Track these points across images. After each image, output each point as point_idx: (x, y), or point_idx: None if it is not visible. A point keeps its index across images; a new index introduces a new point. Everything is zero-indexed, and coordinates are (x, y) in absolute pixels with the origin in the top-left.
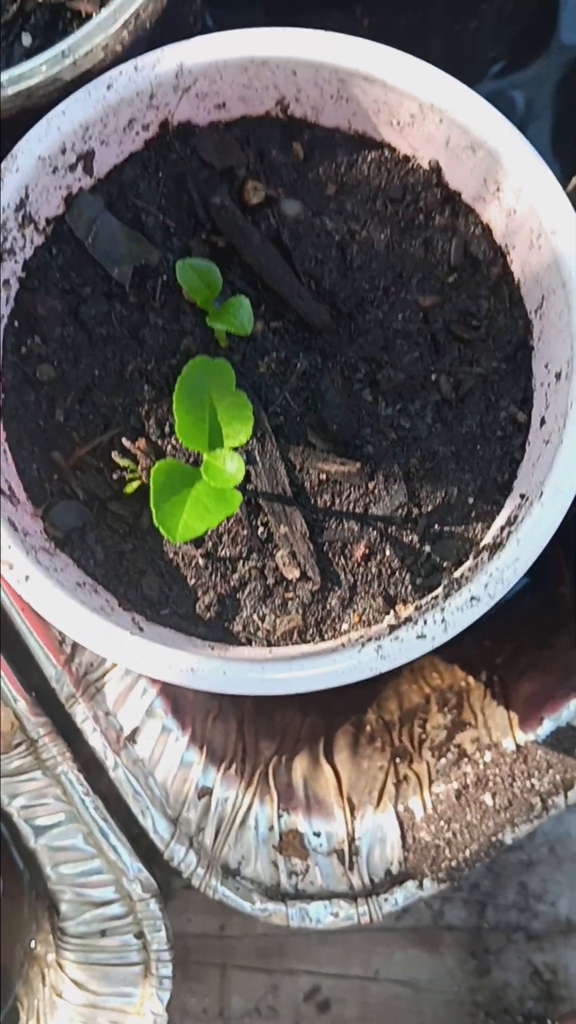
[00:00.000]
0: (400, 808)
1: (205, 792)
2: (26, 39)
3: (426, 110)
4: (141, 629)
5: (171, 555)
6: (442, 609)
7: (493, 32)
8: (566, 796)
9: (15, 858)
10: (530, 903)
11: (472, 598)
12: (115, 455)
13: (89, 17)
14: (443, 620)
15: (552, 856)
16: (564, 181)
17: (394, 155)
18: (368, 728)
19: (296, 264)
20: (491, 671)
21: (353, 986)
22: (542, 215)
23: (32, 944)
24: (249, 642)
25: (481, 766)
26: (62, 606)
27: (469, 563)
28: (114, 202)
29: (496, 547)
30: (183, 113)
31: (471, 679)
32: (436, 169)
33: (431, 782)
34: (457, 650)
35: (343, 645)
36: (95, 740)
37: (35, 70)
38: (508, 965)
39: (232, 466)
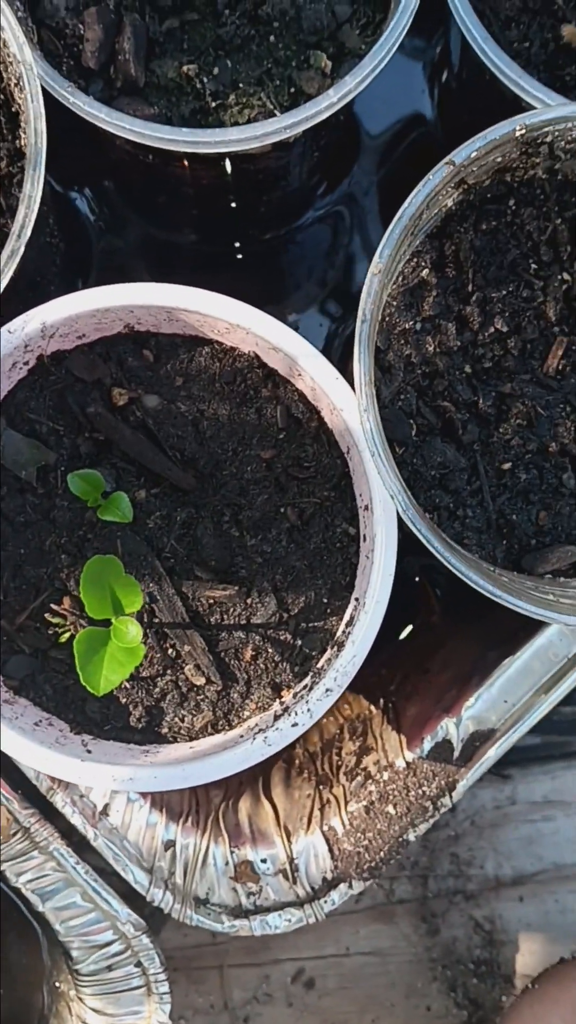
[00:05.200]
0: (325, 828)
1: (170, 844)
2: None
3: (234, 327)
4: (89, 751)
5: None
6: (307, 701)
7: (311, 169)
8: (451, 796)
9: (29, 919)
10: (462, 869)
11: (327, 690)
12: (48, 616)
13: None
14: (308, 710)
15: (474, 827)
16: None
17: (222, 347)
18: (297, 761)
19: (162, 443)
20: (386, 697)
21: (330, 963)
22: (331, 397)
23: (56, 984)
24: (175, 739)
25: (382, 784)
26: (27, 749)
27: (328, 653)
28: (13, 419)
29: (340, 645)
30: (53, 347)
31: (372, 707)
32: (255, 356)
33: (346, 802)
34: (360, 680)
35: (242, 736)
36: (75, 819)
37: None
38: (453, 923)
39: (132, 631)
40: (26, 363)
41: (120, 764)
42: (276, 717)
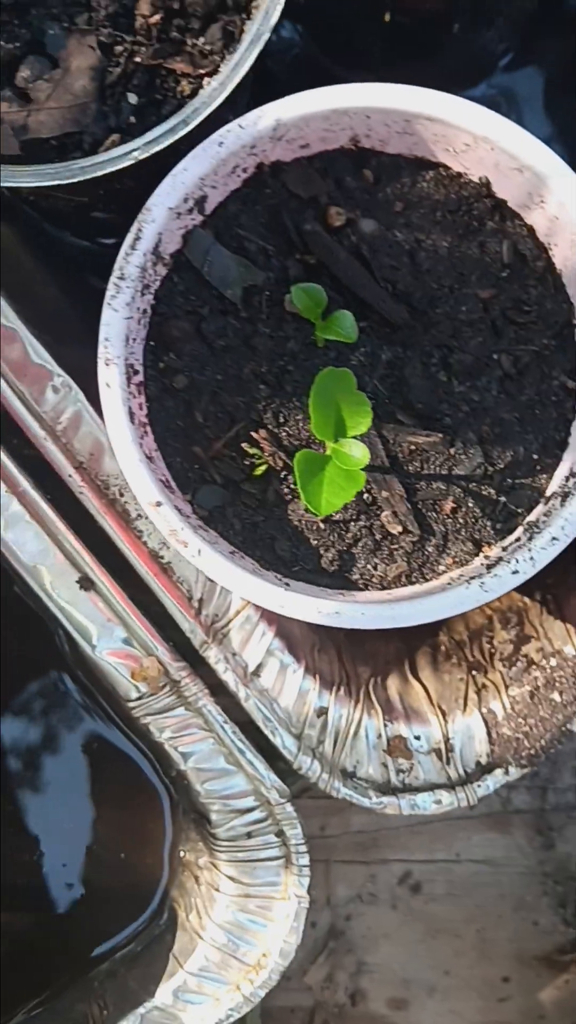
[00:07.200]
0: (484, 710)
1: (322, 712)
2: (132, 98)
3: (479, 140)
4: (287, 584)
5: (295, 522)
6: (529, 549)
7: (502, 32)
8: None
9: (163, 782)
10: None
11: (553, 538)
12: (244, 445)
13: (184, 76)
14: (531, 558)
15: None
16: None
17: (449, 173)
18: (443, 648)
19: (376, 273)
20: (544, 590)
21: (439, 868)
22: None
23: (182, 852)
24: (367, 587)
25: (548, 670)
26: (229, 572)
27: (540, 508)
28: (221, 234)
29: (566, 496)
30: (274, 155)
31: (526, 599)
32: (486, 183)
33: (507, 687)
34: None
35: (450, 583)
36: (227, 677)
37: (163, 136)
38: (570, 839)
39: (358, 452)
40: (244, 170)
41: (323, 598)
42: (489, 567)
